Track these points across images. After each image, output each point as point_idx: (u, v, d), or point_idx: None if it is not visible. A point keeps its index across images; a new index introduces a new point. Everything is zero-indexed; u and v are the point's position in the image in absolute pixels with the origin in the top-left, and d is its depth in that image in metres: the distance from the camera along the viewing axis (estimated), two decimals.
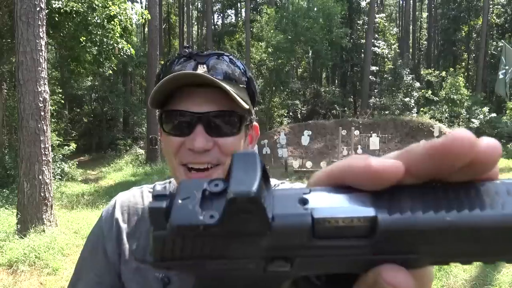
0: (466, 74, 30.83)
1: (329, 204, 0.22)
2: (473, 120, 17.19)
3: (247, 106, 0.69)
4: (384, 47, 25.81)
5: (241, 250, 0.22)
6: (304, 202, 0.22)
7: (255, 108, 0.80)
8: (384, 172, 0.21)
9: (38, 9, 5.15)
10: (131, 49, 11.67)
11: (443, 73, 21.75)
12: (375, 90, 25.61)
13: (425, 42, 37.56)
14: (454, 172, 0.21)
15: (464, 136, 0.20)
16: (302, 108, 23.67)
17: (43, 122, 5.19)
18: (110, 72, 14.99)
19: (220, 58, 0.71)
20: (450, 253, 0.22)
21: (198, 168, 0.68)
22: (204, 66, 0.69)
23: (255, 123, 0.79)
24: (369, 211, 0.21)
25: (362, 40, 27.17)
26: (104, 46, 11.11)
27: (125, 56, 12.37)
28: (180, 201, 0.22)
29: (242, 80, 0.72)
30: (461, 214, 0.21)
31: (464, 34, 31.20)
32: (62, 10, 9.70)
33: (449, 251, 0.21)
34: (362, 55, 25.73)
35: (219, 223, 0.21)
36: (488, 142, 0.21)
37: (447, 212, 0.21)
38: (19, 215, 5.21)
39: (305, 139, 13.23)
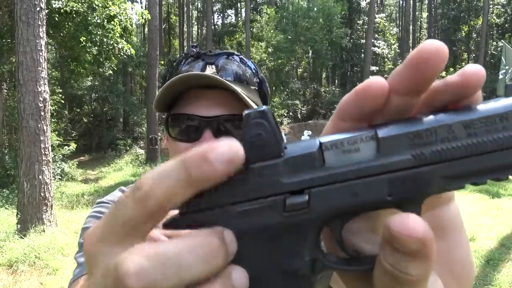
0: None
1: (335, 135, 0.24)
2: None
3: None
4: (384, 47, 25.82)
5: (261, 186, 0.22)
6: (312, 136, 0.23)
7: None
8: (369, 88, 0.22)
9: (38, 9, 5.15)
10: (131, 49, 11.67)
11: (443, 73, 21.73)
12: None
13: None
14: (433, 81, 0.23)
15: (433, 44, 0.23)
16: (302, 108, 23.66)
17: (43, 122, 5.19)
18: (110, 72, 14.99)
19: (230, 58, 0.68)
20: (455, 157, 0.22)
21: None
22: (213, 66, 0.66)
23: None
24: (370, 131, 0.23)
25: (362, 40, 27.18)
26: (104, 46, 11.11)
27: (125, 56, 12.37)
28: None
29: (254, 81, 0.69)
30: (453, 116, 0.22)
31: (464, 34, 31.20)
32: (62, 10, 9.69)
33: (452, 154, 0.22)
34: (362, 55, 25.74)
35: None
36: (474, 67, 0.23)
37: (436, 116, 0.23)
38: (19, 215, 5.21)
39: (305, 139, 13.24)
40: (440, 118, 0.22)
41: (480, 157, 0.21)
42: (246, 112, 0.23)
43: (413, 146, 0.22)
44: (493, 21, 29.17)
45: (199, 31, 39.75)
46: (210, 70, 0.65)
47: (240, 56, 0.69)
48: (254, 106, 0.65)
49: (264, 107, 0.23)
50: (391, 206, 0.23)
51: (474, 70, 0.24)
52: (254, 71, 0.70)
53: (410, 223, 0.20)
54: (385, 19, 30.53)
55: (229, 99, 0.63)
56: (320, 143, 0.24)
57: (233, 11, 39.94)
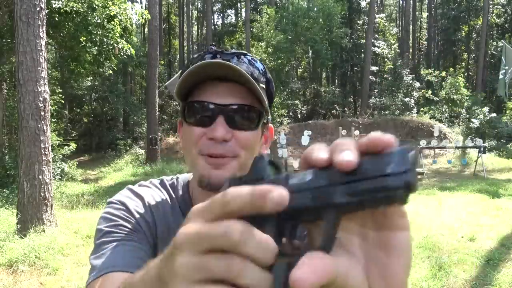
0: (466, 74, 30.82)
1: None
2: (473, 120, 17.18)
3: (267, 102, 0.73)
4: (384, 47, 25.80)
5: None
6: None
7: None
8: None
9: (38, 9, 5.15)
10: (131, 49, 11.67)
11: (443, 73, 21.73)
12: (375, 90, 25.59)
13: (425, 42, 37.55)
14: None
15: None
16: (302, 108, 23.65)
17: (43, 122, 5.19)
18: (110, 72, 14.98)
19: (240, 58, 0.73)
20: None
21: (216, 156, 0.71)
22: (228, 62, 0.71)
23: (270, 124, 0.82)
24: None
25: (362, 40, 27.16)
26: (104, 46, 11.11)
27: (125, 56, 12.36)
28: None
29: (262, 81, 0.75)
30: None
31: (464, 34, 31.19)
32: (62, 10, 9.69)
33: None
34: (362, 55, 25.72)
35: None
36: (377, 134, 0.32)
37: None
38: (19, 215, 5.21)
39: (305, 139, 13.22)
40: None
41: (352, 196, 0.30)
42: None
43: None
44: (493, 21, 29.17)
45: (199, 31, 39.74)
46: None
47: (250, 57, 0.76)
48: (265, 98, 0.72)
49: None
50: (312, 213, 0.32)
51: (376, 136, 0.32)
52: (262, 71, 0.76)
53: (296, 280, 0.28)
54: (385, 19, 30.52)
55: (241, 91, 0.70)
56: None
57: (233, 11, 39.95)
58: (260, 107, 0.73)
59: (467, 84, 23.70)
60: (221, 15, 39.77)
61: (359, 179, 0.30)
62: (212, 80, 0.71)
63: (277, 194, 0.30)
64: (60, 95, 12.45)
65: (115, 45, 11.17)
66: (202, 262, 0.30)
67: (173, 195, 0.83)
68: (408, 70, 24.46)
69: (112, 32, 10.95)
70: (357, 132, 13.83)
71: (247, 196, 0.30)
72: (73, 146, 12.42)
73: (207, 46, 0.78)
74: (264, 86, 0.75)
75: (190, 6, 34.80)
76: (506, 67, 11.88)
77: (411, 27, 33.51)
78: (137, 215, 0.76)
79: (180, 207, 0.81)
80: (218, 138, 0.69)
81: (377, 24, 27.04)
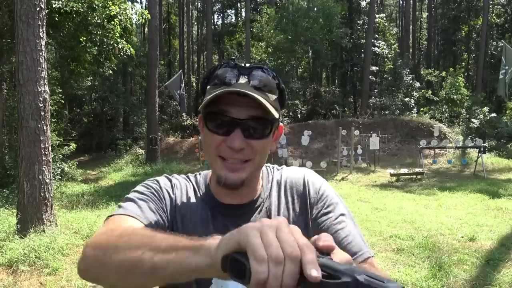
0: (466, 74, 30.82)
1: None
2: (473, 120, 17.17)
3: (277, 115, 0.83)
4: (384, 47, 25.79)
5: None
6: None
7: None
8: None
9: (38, 9, 5.15)
10: (131, 49, 11.67)
11: (443, 73, 21.73)
12: (375, 90, 25.58)
13: (425, 42, 37.54)
14: None
15: None
16: (302, 108, 23.65)
17: (43, 122, 5.19)
18: (110, 72, 14.98)
19: (258, 70, 0.83)
20: None
21: (233, 161, 0.83)
22: (245, 76, 0.81)
23: (280, 123, 0.92)
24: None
25: (362, 40, 27.15)
26: (104, 46, 11.10)
27: (125, 56, 12.36)
28: None
29: (275, 91, 0.84)
30: None
31: (464, 34, 31.19)
32: (62, 10, 9.69)
33: None
34: (362, 55, 25.71)
35: None
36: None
37: None
38: (19, 215, 5.21)
39: (305, 139, 13.21)
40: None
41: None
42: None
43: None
44: (493, 21, 29.16)
45: (199, 31, 39.73)
46: (243, 79, 0.81)
47: (266, 69, 0.85)
48: (274, 112, 0.81)
49: None
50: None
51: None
52: (276, 82, 0.85)
53: None
54: (385, 19, 30.51)
55: (256, 105, 0.80)
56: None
57: (233, 11, 39.94)
58: (272, 117, 0.82)
59: (467, 84, 23.70)
60: (221, 15, 39.77)
61: None
62: (232, 94, 0.80)
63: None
64: (60, 95, 12.43)
65: (115, 45, 11.16)
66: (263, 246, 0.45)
67: (196, 186, 0.97)
68: (408, 70, 24.45)
69: (112, 32, 10.95)
70: (357, 132, 13.82)
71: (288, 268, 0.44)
72: (73, 146, 12.42)
73: (228, 59, 0.86)
74: (277, 96, 0.85)
75: (190, 6, 34.79)
76: (506, 67, 11.87)
77: (411, 27, 33.49)
78: (166, 193, 0.92)
79: (201, 197, 0.94)
80: (236, 148, 0.81)
81: (377, 24, 27.03)
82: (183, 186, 0.96)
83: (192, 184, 0.97)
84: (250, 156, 0.83)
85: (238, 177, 0.82)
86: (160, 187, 0.92)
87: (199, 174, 1.00)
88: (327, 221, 0.87)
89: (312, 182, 0.95)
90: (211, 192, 0.94)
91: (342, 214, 0.89)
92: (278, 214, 0.92)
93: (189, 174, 1.01)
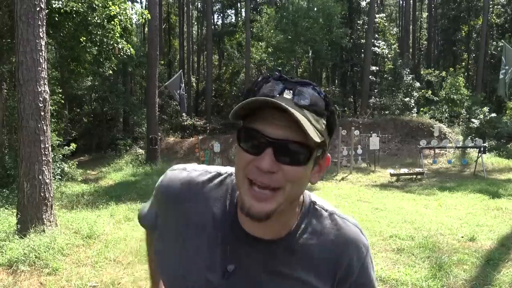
0: (466, 74, 30.81)
1: None
2: (473, 120, 17.17)
3: (319, 140, 0.71)
4: (384, 47, 25.79)
5: None
6: None
7: None
8: None
9: (38, 9, 5.14)
10: (131, 49, 11.66)
11: (443, 73, 21.72)
12: (375, 90, 25.59)
13: (425, 42, 37.55)
14: None
15: None
16: None
17: (43, 122, 5.18)
18: (110, 72, 14.97)
19: (306, 86, 0.73)
20: None
21: (260, 185, 0.72)
22: (291, 91, 0.71)
23: (328, 154, 0.80)
24: None
25: (362, 40, 27.15)
26: (104, 46, 11.10)
27: (125, 56, 12.35)
28: None
29: (324, 113, 0.74)
30: None
31: (464, 34, 31.18)
32: (62, 10, 9.68)
33: None
34: (362, 55, 25.71)
35: None
36: None
37: None
38: (19, 215, 5.20)
39: None
40: None
41: None
42: None
43: None
44: (493, 21, 29.15)
45: (199, 31, 39.74)
46: (288, 95, 0.72)
47: (315, 87, 0.74)
48: (317, 137, 0.70)
49: None
50: None
51: None
52: (325, 103, 0.74)
53: None
54: (385, 19, 30.50)
55: (296, 126, 0.69)
56: None
57: (233, 11, 39.95)
58: (313, 143, 0.71)
59: (467, 84, 23.68)
60: (221, 15, 39.79)
61: None
62: (271, 108, 0.71)
63: None
64: (60, 95, 12.43)
65: (115, 45, 11.16)
66: None
67: (224, 190, 0.88)
68: (408, 70, 24.45)
69: (112, 32, 10.95)
70: (357, 132, 13.83)
71: None
72: (73, 146, 12.41)
73: (265, 74, 0.79)
74: (324, 120, 0.74)
75: (190, 6, 34.79)
76: (506, 67, 11.88)
77: (411, 27, 33.50)
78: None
79: (227, 204, 0.86)
80: (264, 169, 0.70)
81: (377, 24, 27.02)
82: (206, 184, 0.89)
83: (216, 183, 0.88)
84: (281, 183, 0.71)
85: (263, 208, 0.71)
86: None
87: (230, 174, 0.90)
88: None
89: (364, 268, 0.84)
90: (236, 211, 0.84)
91: None
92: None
93: (222, 171, 0.92)
